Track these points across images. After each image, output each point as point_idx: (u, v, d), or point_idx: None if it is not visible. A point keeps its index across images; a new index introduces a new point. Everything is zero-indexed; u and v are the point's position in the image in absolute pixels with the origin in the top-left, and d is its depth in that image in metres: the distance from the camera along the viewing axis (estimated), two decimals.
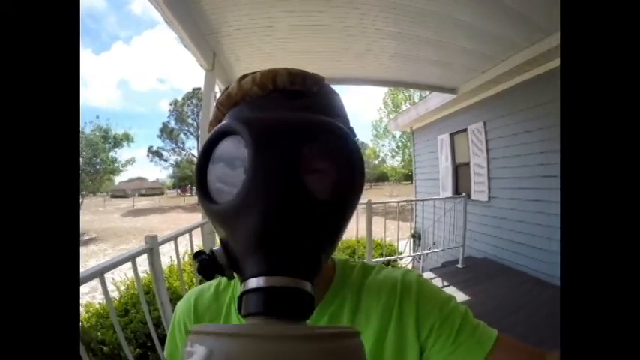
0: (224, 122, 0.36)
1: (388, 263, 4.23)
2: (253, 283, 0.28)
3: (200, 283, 0.59)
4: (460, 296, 3.28)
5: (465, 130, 5.44)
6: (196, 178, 0.36)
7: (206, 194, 0.35)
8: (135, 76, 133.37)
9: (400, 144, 28.09)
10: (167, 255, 2.39)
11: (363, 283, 0.51)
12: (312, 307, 0.28)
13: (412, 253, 5.58)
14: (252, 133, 0.32)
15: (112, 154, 18.67)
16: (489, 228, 4.92)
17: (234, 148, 0.34)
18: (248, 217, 0.30)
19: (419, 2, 2.45)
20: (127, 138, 19.23)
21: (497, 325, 0.45)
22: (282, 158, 0.31)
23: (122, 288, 3.33)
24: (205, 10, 2.41)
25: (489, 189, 4.90)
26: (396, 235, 4.55)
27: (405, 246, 6.29)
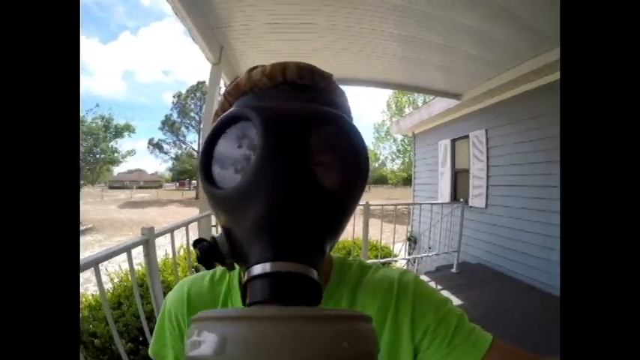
0: (234, 108, 0.36)
1: (383, 265, 4.23)
2: (259, 269, 0.26)
3: None
4: (453, 300, 3.26)
5: (467, 137, 5.45)
6: (201, 163, 0.35)
7: (211, 179, 0.35)
8: (140, 67, 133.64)
9: (401, 147, 28.07)
10: (162, 248, 2.38)
11: (360, 281, 0.50)
12: (321, 294, 0.27)
13: (407, 257, 5.59)
14: (263, 119, 0.32)
15: (112, 143, 18.56)
16: (485, 234, 4.92)
17: (242, 134, 0.34)
18: (255, 202, 0.30)
19: (425, 6, 2.45)
20: (129, 128, 19.14)
21: (490, 329, 0.44)
22: (293, 146, 0.31)
23: (115, 280, 3.29)
24: (214, 3, 2.41)
25: (487, 196, 4.90)
26: (391, 237, 4.55)
27: (400, 249, 6.29)
